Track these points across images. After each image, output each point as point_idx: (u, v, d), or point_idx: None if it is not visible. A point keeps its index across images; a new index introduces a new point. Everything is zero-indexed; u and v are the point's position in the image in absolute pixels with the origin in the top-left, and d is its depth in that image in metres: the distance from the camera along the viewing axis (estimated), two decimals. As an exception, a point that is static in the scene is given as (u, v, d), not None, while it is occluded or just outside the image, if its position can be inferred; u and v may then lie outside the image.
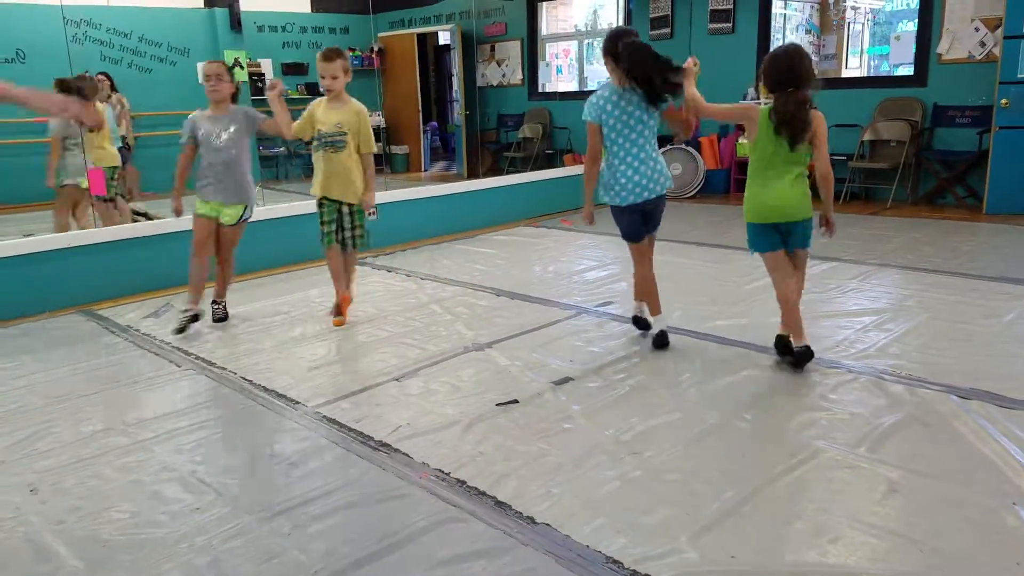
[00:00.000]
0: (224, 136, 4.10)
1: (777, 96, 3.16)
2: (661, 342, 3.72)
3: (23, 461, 2.77)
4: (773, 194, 3.31)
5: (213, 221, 4.20)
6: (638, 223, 3.64)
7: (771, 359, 3.51)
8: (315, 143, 4.07)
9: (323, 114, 4.05)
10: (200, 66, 3.78)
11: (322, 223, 4.22)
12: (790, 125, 3.14)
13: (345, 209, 4.19)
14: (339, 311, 4.28)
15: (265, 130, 4.23)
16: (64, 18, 7.45)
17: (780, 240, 3.37)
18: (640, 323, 3.97)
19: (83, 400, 3.31)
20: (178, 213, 4.30)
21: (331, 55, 4.01)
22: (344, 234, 4.25)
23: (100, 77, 7.96)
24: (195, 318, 4.21)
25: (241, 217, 4.25)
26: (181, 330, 4.13)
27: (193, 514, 2.37)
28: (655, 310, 3.79)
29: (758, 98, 8.26)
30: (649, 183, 3.55)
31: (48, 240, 4.86)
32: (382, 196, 6.51)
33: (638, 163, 3.54)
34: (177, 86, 7.46)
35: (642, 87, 3.41)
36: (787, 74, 3.12)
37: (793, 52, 3.17)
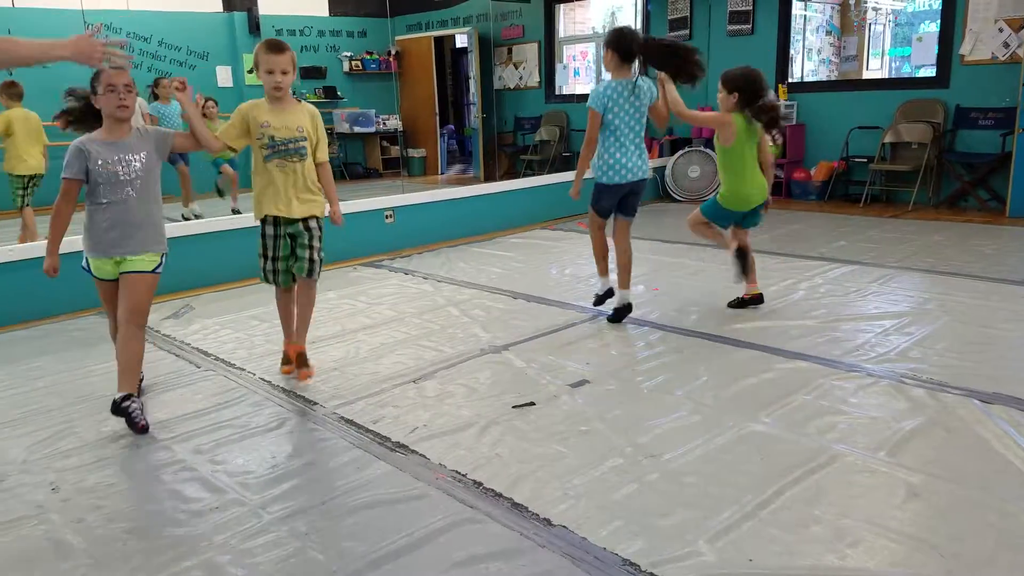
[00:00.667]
0: (136, 165, 3.04)
1: (758, 106, 3.97)
2: (618, 316, 4.17)
3: (44, 460, 2.80)
4: (751, 185, 4.12)
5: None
6: (615, 203, 4.08)
7: (792, 361, 3.48)
8: (267, 153, 3.27)
9: (274, 118, 3.26)
10: (106, 74, 2.91)
11: (275, 258, 3.39)
12: (777, 120, 4.02)
13: (313, 223, 3.40)
14: (288, 359, 3.57)
15: (180, 148, 3.29)
16: (85, 23, 7.54)
17: (735, 221, 4.26)
18: (601, 300, 4.30)
19: (104, 400, 3.34)
20: (54, 272, 3.06)
21: (282, 46, 3.23)
22: (301, 255, 3.39)
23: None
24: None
25: (158, 265, 3.16)
26: (140, 426, 3.01)
27: (212, 513, 2.39)
28: (624, 284, 4.19)
29: (777, 99, 8.21)
30: (635, 168, 3.98)
31: (69, 242, 4.89)
32: (400, 199, 6.57)
33: (630, 148, 3.96)
34: (196, 90, 7.57)
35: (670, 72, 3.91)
36: (761, 90, 3.99)
37: (760, 72, 4.05)
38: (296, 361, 3.50)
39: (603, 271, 4.29)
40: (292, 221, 3.35)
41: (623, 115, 3.90)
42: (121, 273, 3.09)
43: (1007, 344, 3.63)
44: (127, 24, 9.56)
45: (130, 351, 3.07)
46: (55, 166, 5.90)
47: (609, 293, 4.26)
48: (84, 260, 3.13)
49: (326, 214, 3.47)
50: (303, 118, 3.34)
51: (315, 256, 3.42)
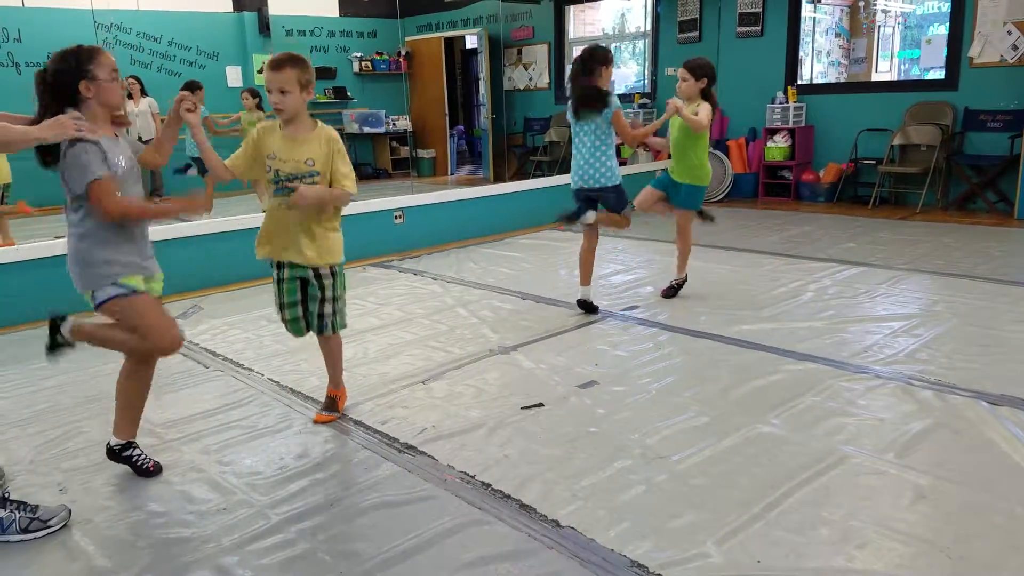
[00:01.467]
0: (134, 166, 2.56)
1: (711, 92, 4.39)
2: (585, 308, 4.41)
3: (53, 460, 2.82)
4: None
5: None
6: (581, 206, 4.30)
7: (800, 363, 3.47)
8: (275, 189, 2.84)
9: (280, 147, 2.79)
10: (106, 56, 2.43)
11: (281, 306, 2.96)
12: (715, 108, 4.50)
13: (326, 271, 2.90)
14: (334, 405, 3.13)
15: (144, 162, 2.65)
16: (95, 22, 7.57)
17: None
18: (585, 306, 4.44)
19: (112, 400, 3.35)
20: (208, 205, 2.63)
21: (279, 62, 2.71)
22: (314, 310, 2.94)
23: (131, 80, 8.10)
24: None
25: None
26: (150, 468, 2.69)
27: (220, 514, 2.40)
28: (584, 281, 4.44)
29: (786, 101, 8.20)
30: (581, 175, 4.23)
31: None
32: (409, 200, 6.58)
33: (581, 156, 4.22)
34: (206, 90, 7.62)
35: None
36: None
37: None
38: (325, 403, 3.10)
39: (583, 280, 4.46)
40: (299, 266, 2.89)
41: (573, 127, 4.23)
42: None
43: (1015, 346, 3.61)
44: (137, 24, 9.61)
45: (144, 390, 2.72)
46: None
47: (582, 303, 4.44)
48: (108, 291, 2.52)
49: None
50: (315, 147, 2.80)
51: (326, 310, 2.92)
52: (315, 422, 3.06)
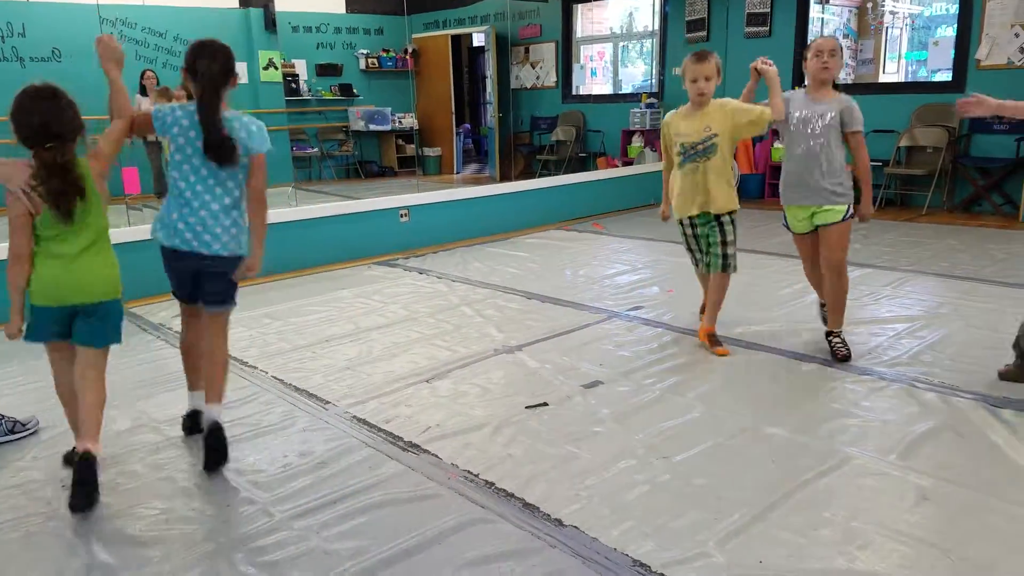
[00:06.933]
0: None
1: None
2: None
3: (55, 457, 2.81)
4: None
5: None
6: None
7: (805, 364, 3.48)
8: (680, 159, 3.67)
9: (685, 124, 3.63)
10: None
11: (690, 250, 3.86)
12: None
13: (725, 217, 3.67)
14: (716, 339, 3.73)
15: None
16: (100, 17, 7.57)
17: None
18: None
19: (114, 396, 3.34)
20: None
21: (705, 55, 3.55)
22: (713, 252, 3.71)
23: (149, 74, 8.12)
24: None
25: None
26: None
27: (224, 511, 2.42)
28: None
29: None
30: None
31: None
32: (415, 198, 6.59)
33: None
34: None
35: None
36: None
37: None
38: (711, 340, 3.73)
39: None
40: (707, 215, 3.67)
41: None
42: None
43: (1021, 350, 3.61)
44: (142, 19, 9.63)
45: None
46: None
47: None
48: None
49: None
50: (714, 117, 3.58)
51: (723, 251, 3.67)
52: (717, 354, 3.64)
